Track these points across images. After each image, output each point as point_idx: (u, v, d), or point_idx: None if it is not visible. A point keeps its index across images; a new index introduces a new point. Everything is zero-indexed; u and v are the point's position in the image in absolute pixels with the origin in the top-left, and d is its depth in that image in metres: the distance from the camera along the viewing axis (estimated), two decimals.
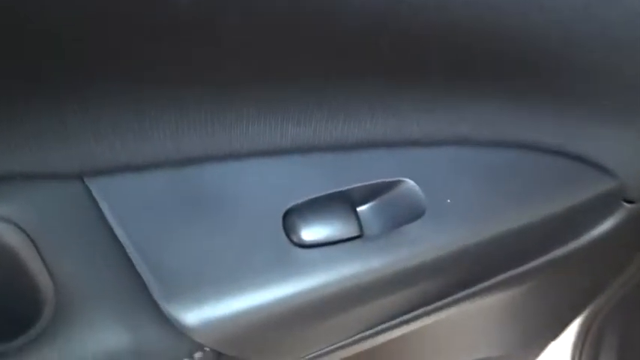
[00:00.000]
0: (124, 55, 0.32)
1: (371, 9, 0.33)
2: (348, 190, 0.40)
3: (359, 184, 0.40)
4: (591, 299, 0.67)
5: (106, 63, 0.32)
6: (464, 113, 0.41)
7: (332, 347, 0.45)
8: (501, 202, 0.42)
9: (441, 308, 0.47)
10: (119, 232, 0.35)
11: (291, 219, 0.39)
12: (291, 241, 0.38)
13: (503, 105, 0.41)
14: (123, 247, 0.35)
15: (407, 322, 0.46)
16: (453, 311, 0.49)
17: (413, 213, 0.40)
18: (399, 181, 0.41)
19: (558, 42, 0.38)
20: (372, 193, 0.41)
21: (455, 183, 0.41)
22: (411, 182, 0.41)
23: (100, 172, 0.36)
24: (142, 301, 0.35)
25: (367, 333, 0.45)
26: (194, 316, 0.35)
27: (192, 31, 0.32)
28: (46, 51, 0.31)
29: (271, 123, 0.38)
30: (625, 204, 0.46)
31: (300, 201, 0.39)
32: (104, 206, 0.35)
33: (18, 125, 0.33)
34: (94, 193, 0.35)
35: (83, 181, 0.36)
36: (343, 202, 0.40)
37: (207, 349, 0.37)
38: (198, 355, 0.37)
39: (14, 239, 0.33)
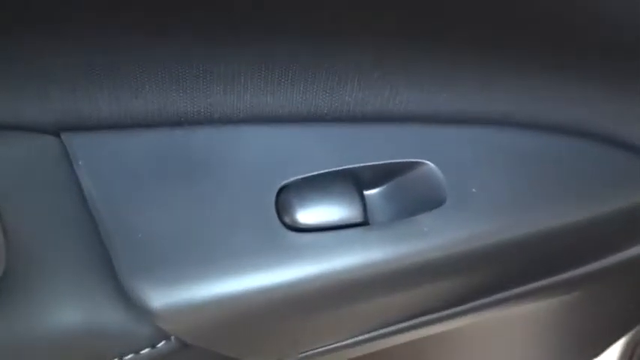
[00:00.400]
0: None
1: None
2: (355, 168, 0.34)
3: (369, 163, 0.34)
4: None
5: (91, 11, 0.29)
6: (504, 87, 0.35)
7: (325, 348, 0.39)
8: (540, 196, 0.35)
9: (457, 315, 0.40)
10: (91, 193, 0.32)
11: (286, 196, 0.33)
12: (283, 222, 0.33)
13: (553, 80, 0.35)
14: (91, 212, 0.31)
15: (415, 327, 0.40)
16: (472, 319, 0.42)
17: (430, 201, 0.34)
18: (417, 163, 0.35)
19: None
20: (384, 174, 0.35)
21: (484, 170, 0.35)
22: (431, 165, 0.34)
23: (78, 128, 0.32)
24: (104, 276, 0.31)
25: (367, 336, 0.39)
26: (161, 297, 0.30)
27: None
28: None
29: (273, 85, 0.33)
30: None
31: (298, 177, 0.33)
32: (78, 164, 0.32)
33: None
34: (70, 149, 0.32)
35: (59, 137, 0.32)
36: (349, 182, 0.34)
37: (173, 338, 0.32)
38: (161, 344, 0.32)
39: None
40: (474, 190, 0.34)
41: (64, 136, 0.32)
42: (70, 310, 0.30)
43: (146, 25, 0.30)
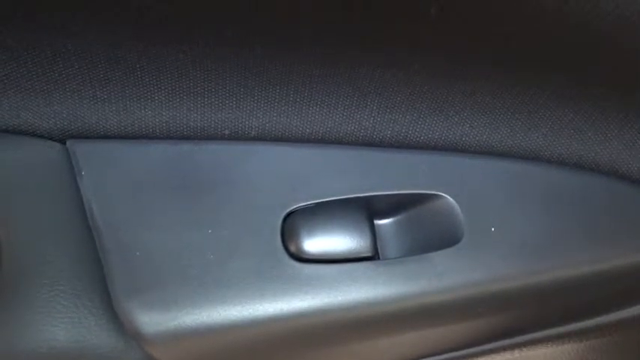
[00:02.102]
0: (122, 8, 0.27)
1: None
2: (368, 197, 0.32)
3: (383, 192, 0.32)
4: None
5: (102, 18, 0.28)
6: (536, 121, 0.33)
7: None
8: (566, 240, 0.32)
9: (468, 357, 0.38)
10: (92, 206, 0.30)
11: (292, 223, 0.32)
12: (288, 250, 0.31)
13: (590, 116, 0.32)
14: (90, 225, 0.30)
15: None
16: None
17: (446, 238, 0.32)
18: (434, 196, 0.33)
19: None
20: (398, 204, 0.33)
21: (506, 207, 0.33)
22: (449, 199, 0.32)
23: (84, 136, 0.31)
24: (98, 295, 0.29)
25: None
26: (153, 323, 0.29)
27: None
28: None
29: (288, 105, 0.32)
30: None
31: (307, 202, 0.32)
32: (81, 174, 0.31)
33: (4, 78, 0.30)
34: (74, 158, 0.31)
35: (64, 144, 0.32)
36: (360, 211, 0.32)
37: None
38: None
39: None
40: (493, 229, 0.32)
41: (69, 143, 0.31)
42: (60, 329, 0.29)
43: (159, 35, 0.29)
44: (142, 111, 0.31)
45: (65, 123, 0.31)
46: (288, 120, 0.32)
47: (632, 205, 0.33)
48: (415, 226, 0.33)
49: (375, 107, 0.32)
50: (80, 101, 0.31)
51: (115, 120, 0.31)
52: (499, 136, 0.33)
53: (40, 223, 0.30)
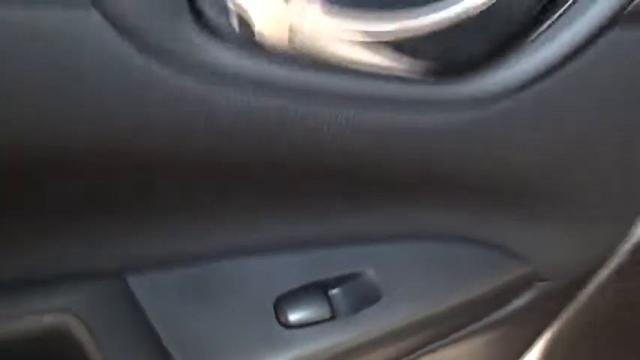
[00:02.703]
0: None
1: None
2: (324, 279, 0.52)
3: (334, 275, 0.53)
4: None
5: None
6: (417, 216, 0.54)
7: None
8: (438, 287, 0.54)
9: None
10: (152, 318, 0.47)
11: (280, 305, 0.51)
12: (280, 322, 0.51)
13: (452, 207, 0.53)
14: (154, 330, 0.48)
15: None
16: None
17: (373, 298, 0.53)
18: (362, 272, 0.53)
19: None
20: (342, 281, 0.53)
21: (407, 273, 0.54)
22: (371, 272, 0.53)
23: (135, 270, 0.49)
24: None
25: None
26: None
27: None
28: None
29: (263, 227, 0.51)
30: (537, 282, 0.59)
31: (286, 290, 0.51)
32: (141, 298, 0.47)
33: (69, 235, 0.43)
34: (133, 287, 0.47)
35: (122, 277, 0.47)
36: (320, 290, 0.52)
37: None
38: None
39: (76, 330, 0.46)
40: (400, 289, 0.53)
41: (127, 277, 0.47)
42: None
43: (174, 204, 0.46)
44: (167, 245, 0.49)
45: (121, 262, 0.47)
46: (268, 237, 0.51)
47: (473, 261, 0.55)
48: (353, 293, 0.53)
49: (318, 227, 0.52)
50: (132, 248, 0.48)
51: (151, 256, 0.49)
52: (400, 228, 0.54)
53: (126, 339, 0.47)
